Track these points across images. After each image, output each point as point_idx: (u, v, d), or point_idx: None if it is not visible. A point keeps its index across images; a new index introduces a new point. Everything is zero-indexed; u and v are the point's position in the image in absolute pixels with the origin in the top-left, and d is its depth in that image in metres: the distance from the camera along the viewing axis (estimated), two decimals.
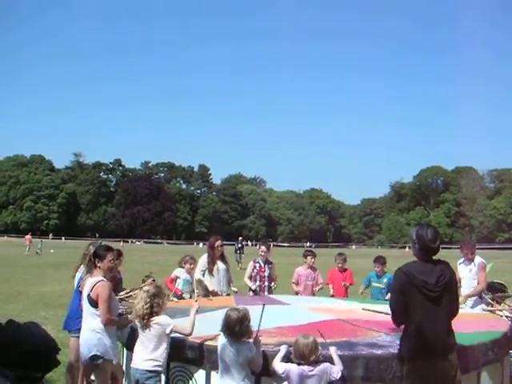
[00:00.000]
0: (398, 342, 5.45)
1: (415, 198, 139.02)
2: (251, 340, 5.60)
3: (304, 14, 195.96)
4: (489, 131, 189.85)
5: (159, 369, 5.89)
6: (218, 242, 10.59)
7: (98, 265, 6.58)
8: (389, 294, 10.45)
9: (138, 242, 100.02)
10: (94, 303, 6.37)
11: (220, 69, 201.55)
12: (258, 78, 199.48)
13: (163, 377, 6.12)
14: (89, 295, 6.42)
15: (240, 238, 46.18)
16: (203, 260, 10.57)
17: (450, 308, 5.33)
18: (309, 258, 11.36)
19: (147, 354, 5.89)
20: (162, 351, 5.92)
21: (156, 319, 5.95)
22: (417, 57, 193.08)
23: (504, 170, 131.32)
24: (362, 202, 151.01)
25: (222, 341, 5.63)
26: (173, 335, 6.03)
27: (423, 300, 5.13)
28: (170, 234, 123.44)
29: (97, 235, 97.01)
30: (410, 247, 5.77)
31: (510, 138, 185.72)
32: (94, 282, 6.42)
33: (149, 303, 5.94)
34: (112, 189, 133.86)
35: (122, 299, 8.19)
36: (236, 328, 5.53)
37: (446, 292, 5.25)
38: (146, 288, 6.30)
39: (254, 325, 5.72)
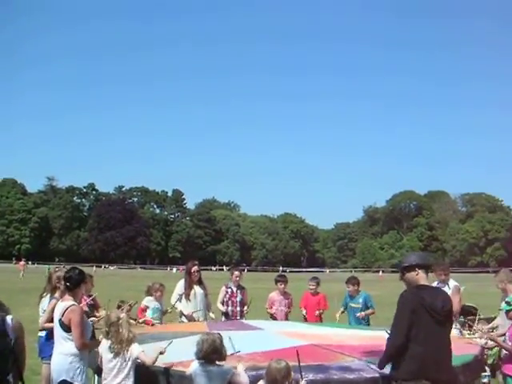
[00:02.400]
0: (391, 364, 5.40)
1: (388, 222, 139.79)
2: (225, 363, 5.59)
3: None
4: (461, 156, 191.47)
5: None
6: (195, 268, 10.57)
7: (72, 288, 6.51)
8: (362, 311, 10.60)
9: (111, 267, 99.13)
10: (65, 327, 6.28)
11: (193, 98, 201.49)
12: (232, 105, 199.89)
13: None
14: (60, 320, 6.34)
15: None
16: (180, 285, 10.56)
17: (449, 334, 5.45)
18: (279, 284, 11.41)
19: (115, 380, 5.84)
20: (129, 377, 5.89)
21: (129, 346, 5.92)
22: (388, 79, 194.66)
23: (475, 194, 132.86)
24: (335, 226, 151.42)
25: (195, 366, 5.58)
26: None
27: (432, 323, 5.18)
28: (144, 259, 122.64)
29: (56, 259, 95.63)
30: (401, 274, 5.73)
31: (481, 163, 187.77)
32: (66, 307, 6.34)
33: (129, 330, 5.94)
34: (85, 213, 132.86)
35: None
36: (214, 353, 5.50)
37: (449, 318, 5.40)
38: (122, 315, 6.25)
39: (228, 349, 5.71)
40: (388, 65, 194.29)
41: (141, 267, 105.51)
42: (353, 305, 10.90)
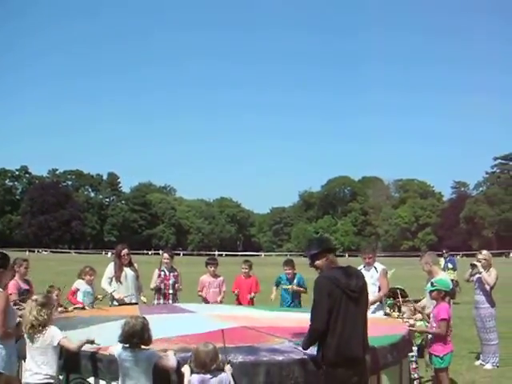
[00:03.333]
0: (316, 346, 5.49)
1: (323, 207, 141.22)
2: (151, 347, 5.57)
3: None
4: (394, 141, 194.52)
5: (50, 381, 5.73)
6: (125, 251, 10.57)
7: None
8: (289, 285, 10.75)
9: (44, 252, 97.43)
10: None
11: (132, 81, 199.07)
12: (164, 91, 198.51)
13: None
14: None
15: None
16: (110, 268, 10.50)
17: (366, 311, 5.61)
18: (209, 266, 11.46)
19: (36, 367, 5.74)
20: (51, 364, 5.77)
21: (44, 331, 5.80)
22: (319, 66, 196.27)
23: (408, 180, 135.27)
24: (271, 210, 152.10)
25: (119, 350, 5.54)
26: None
27: (349, 303, 5.29)
28: (78, 244, 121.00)
29: None
30: (310, 261, 5.78)
31: (414, 149, 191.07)
32: None
33: (38, 312, 5.80)
34: (18, 197, 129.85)
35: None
36: (133, 336, 5.46)
37: (363, 295, 5.51)
38: (34, 297, 6.11)
39: (156, 333, 5.69)
40: (326, 51, 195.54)
41: (75, 252, 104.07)
42: (288, 286, 11.01)
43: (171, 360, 5.47)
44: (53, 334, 5.81)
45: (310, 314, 5.40)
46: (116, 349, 5.57)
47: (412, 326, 8.25)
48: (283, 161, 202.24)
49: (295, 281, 11.02)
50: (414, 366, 7.78)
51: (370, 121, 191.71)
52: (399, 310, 10.26)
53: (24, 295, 8.83)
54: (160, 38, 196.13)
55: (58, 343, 5.78)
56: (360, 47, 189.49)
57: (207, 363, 5.24)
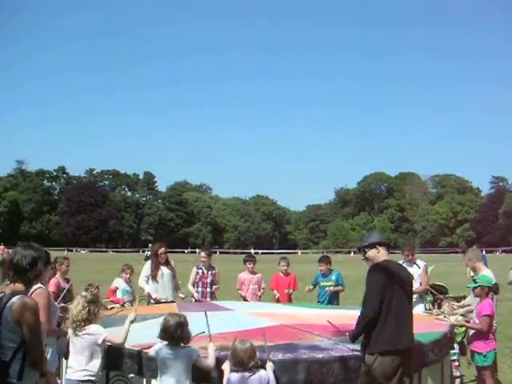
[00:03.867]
0: (363, 337, 5.52)
1: (359, 204, 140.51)
2: (191, 344, 5.57)
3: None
4: (432, 137, 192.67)
5: (92, 378, 5.75)
6: (162, 249, 10.59)
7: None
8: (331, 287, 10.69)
9: (82, 251, 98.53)
10: None
11: (165, 78, 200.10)
12: (203, 87, 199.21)
13: None
14: None
15: (150, 245, 45.50)
16: (147, 266, 10.54)
17: (412, 304, 5.83)
18: (247, 263, 11.42)
19: (79, 365, 5.76)
20: (94, 361, 5.78)
21: (88, 328, 5.82)
22: (359, 58, 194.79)
23: (446, 175, 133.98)
24: (307, 208, 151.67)
25: (159, 347, 5.54)
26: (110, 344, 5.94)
27: (402, 294, 5.41)
28: (116, 242, 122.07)
29: None
30: (363, 253, 5.92)
31: (451, 144, 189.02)
32: (33, 290, 6.23)
33: (86, 308, 5.83)
34: (56, 197, 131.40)
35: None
36: (174, 333, 5.46)
37: (411, 289, 5.73)
38: (83, 293, 6.16)
39: (194, 330, 5.67)
40: (362, 43, 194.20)
41: (113, 251, 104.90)
42: (325, 283, 10.96)
43: (210, 359, 5.47)
44: (97, 332, 5.84)
45: (348, 311, 5.43)
46: (155, 346, 5.58)
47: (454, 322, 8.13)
48: (319, 158, 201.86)
49: (333, 277, 10.96)
50: (456, 363, 7.68)
51: (406, 116, 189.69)
52: (439, 307, 10.13)
53: (64, 294, 8.91)
54: (198, 26, 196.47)
55: (103, 341, 5.81)
56: (401, 39, 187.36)
57: (245, 361, 5.22)
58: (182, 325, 5.52)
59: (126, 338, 5.88)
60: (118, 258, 55.87)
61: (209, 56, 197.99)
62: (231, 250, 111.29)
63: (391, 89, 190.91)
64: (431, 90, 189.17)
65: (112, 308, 9.54)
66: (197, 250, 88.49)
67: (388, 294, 5.33)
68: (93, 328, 5.84)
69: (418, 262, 10.11)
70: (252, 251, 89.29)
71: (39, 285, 6.27)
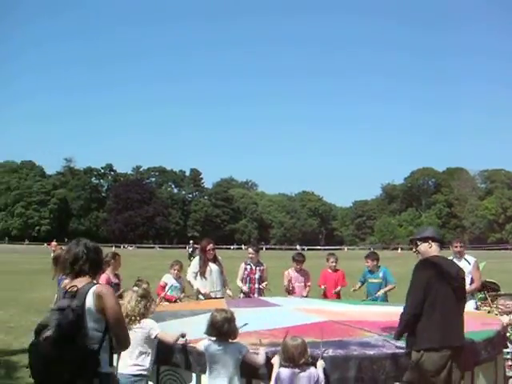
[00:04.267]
0: (407, 334, 5.46)
1: (407, 200, 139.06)
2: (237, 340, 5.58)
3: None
4: (480, 132, 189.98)
5: (144, 373, 5.79)
6: (210, 246, 10.59)
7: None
8: (381, 290, 10.55)
9: (130, 247, 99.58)
10: None
11: (211, 73, 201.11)
12: (249, 82, 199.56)
13: (150, 382, 6.03)
14: None
15: (191, 242, 45.53)
16: (195, 262, 10.57)
17: (464, 303, 5.64)
18: (296, 263, 11.33)
19: (131, 359, 5.80)
20: (146, 356, 5.83)
21: (142, 322, 5.88)
22: (407, 57, 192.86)
23: (495, 170, 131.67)
24: (353, 204, 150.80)
25: (208, 342, 5.55)
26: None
27: (449, 290, 5.27)
28: (162, 239, 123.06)
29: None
30: (413, 247, 5.90)
31: (500, 139, 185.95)
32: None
33: (140, 302, 5.89)
34: (103, 194, 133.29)
35: None
36: (221, 329, 5.47)
37: (463, 286, 5.55)
38: (135, 288, 6.22)
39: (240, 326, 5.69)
40: (402, 41, 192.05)
41: (159, 247, 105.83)
42: (373, 280, 10.86)
43: (261, 356, 5.45)
44: (151, 326, 5.90)
45: (398, 308, 5.36)
46: (203, 342, 5.60)
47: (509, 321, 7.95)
48: (365, 153, 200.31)
49: (380, 274, 10.84)
50: (509, 363, 7.50)
51: (452, 111, 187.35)
52: (491, 305, 9.94)
53: (114, 289, 9.00)
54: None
55: (156, 336, 5.85)
56: (448, 40, 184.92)
57: (296, 357, 5.19)
58: (229, 320, 5.52)
59: (175, 342, 5.89)
60: (165, 255, 56.23)
61: (258, 48, 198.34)
62: (277, 246, 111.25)
63: (440, 85, 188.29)
64: (480, 87, 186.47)
65: (161, 303, 9.60)
66: (243, 247, 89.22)
67: (433, 291, 5.21)
68: (146, 322, 5.91)
69: (468, 257, 9.87)
70: (298, 247, 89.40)
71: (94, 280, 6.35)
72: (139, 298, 5.92)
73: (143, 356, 5.81)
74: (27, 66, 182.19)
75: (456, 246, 9.83)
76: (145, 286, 9.19)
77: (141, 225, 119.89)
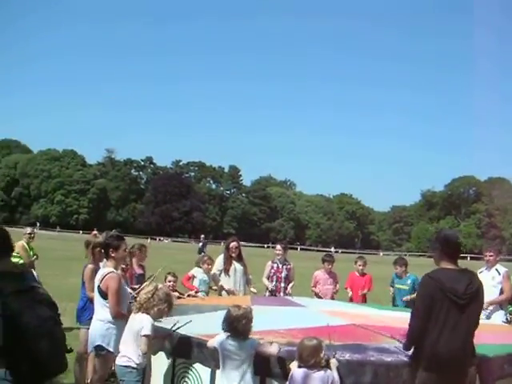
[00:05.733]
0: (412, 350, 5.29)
1: (446, 207, 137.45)
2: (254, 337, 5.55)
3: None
4: None
5: (132, 365, 5.73)
6: (233, 244, 10.59)
7: (112, 255, 6.48)
8: (408, 295, 10.38)
9: (165, 240, 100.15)
10: (103, 294, 6.30)
11: (251, 73, 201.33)
12: (289, 85, 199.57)
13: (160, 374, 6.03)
14: (99, 286, 6.35)
15: (202, 236, 45.37)
16: (220, 260, 10.56)
17: (475, 319, 5.22)
18: (326, 263, 11.29)
19: (123, 350, 5.82)
20: (134, 348, 5.76)
21: (140, 316, 5.83)
22: (440, 69, 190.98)
23: None
24: (391, 209, 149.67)
25: (222, 338, 5.53)
26: (180, 331, 5.96)
27: (452, 308, 5.01)
28: (198, 234, 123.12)
29: (37, 224, 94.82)
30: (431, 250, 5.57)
31: None
32: (105, 274, 6.35)
33: (154, 299, 5.83)
34: (142, 186, 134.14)
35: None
36: (236, 325, 5.44)
37: (473, 302, 5.15)
38: (160, 285, 6.19)
39: (261, 325, 5.65)
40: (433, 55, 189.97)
41: (195, 241, 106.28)
42: (400, 286, 10.74)
43: (274, 346, 5.41)
44: (144, 323, 5.78)
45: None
46: (218, 337, 5.56)
47: None
48: (406, 158, 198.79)
49: (408, 281, 10.69)
50: None
51: (497, 120, 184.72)
52: None
53: (138, 280, 9.07)
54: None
55: (145, 335, 5.73)
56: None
57: (310, 357, 5.15)
58: (245, 317, 5.49)
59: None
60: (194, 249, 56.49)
61: (296, 51, 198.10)
62: (312, 247, 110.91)
63: (482, 96, 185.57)
64: None
65: (188, 295, 9.63)
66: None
67: (435, 308, 4.99)
68: (142, 317, 5.82)
69: (499, 267, 9.66)
70: (332, 250, 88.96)
71: (111, 269, 6.39)
72: (155, 295, 5.85)
73: (131, 348, 5.77)
74: (69, 56, 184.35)
75: (486, 255, 9.67)
76: (173, 278, 9.26)
77: (177, 219, 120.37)
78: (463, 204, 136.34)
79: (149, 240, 74.22)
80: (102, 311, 6.34)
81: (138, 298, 5.96)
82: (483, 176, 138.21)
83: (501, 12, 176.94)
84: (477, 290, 5.16)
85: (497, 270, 9.57)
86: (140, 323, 5.77)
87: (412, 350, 5.29)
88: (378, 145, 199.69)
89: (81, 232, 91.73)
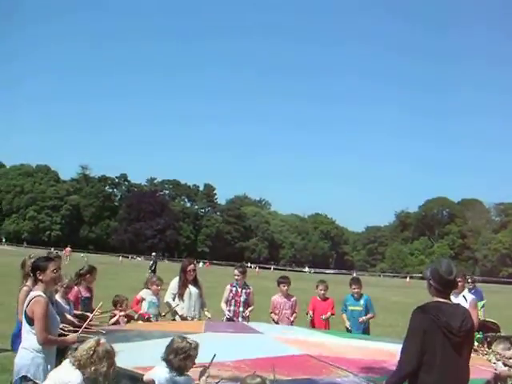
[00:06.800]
0: None
1: (420, 228, 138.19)
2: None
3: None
4: (496, 165, 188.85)
5: None
6: (191, 266, 10.06)
7: (40, 278, 5.93)
8: (364, 316, 10.07)
9: (138, 258, 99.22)
10: (29, 320, 5.73)
11: (225, 92, 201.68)
12: (263, 104, 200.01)
13: None
14: (25, 311, 5.79)
15: (153, 254, 44.99)
16: (174, 283, 10.00)
17: (468, 358, 4.76)
18: (281, 285, 10.75)
19: None
20: None
21: (72, 370, 4.87)
22: (421, 90, 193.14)
23: (510, 204, 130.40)
24: (366, 229, 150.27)
25: (158, 370, 5.04)
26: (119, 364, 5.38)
27: (448, 346, 4.55)
28: (172, 252, 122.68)
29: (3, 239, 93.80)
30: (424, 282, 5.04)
31: None
32: (31, 298, 5.79)
33: (91, 356, 5.02)
34: (116, 203, 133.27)
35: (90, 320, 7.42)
36: (171, 358, 4.93)
37: (467, 339, 4.70)
38: (102, 340, 5.30)
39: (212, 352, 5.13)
40: (424, 77, 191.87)
41: (168, 259, 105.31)
42: (354, 308, 10.52)
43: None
44: (71, 381, 4.79)
45: (385, 345, 4.73)
46: (155, 369, 5.04)
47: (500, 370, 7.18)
48: (381, 179, 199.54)
49: (361, 301, 10.52)
50: None
51: (470, 143, 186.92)
52: (489, 347, 9.29)
53: (84, 303, 8.63)
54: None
55: None
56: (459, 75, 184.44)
57: None
58: (185, 352, 4.97)
59: None
60: (172, 268, 55.75)
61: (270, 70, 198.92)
62: (286, 268, 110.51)
63: (460, 118, 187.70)
64: (497, 121, 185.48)
65: (138, 319, 9.18)
66: (250, 265, 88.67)
67: (431, 345, 4.51)
68: (72, 373, 4.88)
69: (466, 294, 9.28)
70: (306, 270, 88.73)
71: (39, 292, 5.84)
72: (95, 356, 4.88)
73: None
74: (41, 70, 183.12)
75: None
76: (124, 302, 8.78)
77: (151, 236, 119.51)
78: (437, 225, 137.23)
79: (121, 258, 73.39)
80: (27, 338, 5.76)
81: (76, 352, 5.04)
82: (457, 197, 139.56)
83: None
84: (471, 327, 4.73)
85: (464, 296, 9.18)
86: (67, 377, 5.03)
87: None
88: (353, 165, 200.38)
89: (52, 249, 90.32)
